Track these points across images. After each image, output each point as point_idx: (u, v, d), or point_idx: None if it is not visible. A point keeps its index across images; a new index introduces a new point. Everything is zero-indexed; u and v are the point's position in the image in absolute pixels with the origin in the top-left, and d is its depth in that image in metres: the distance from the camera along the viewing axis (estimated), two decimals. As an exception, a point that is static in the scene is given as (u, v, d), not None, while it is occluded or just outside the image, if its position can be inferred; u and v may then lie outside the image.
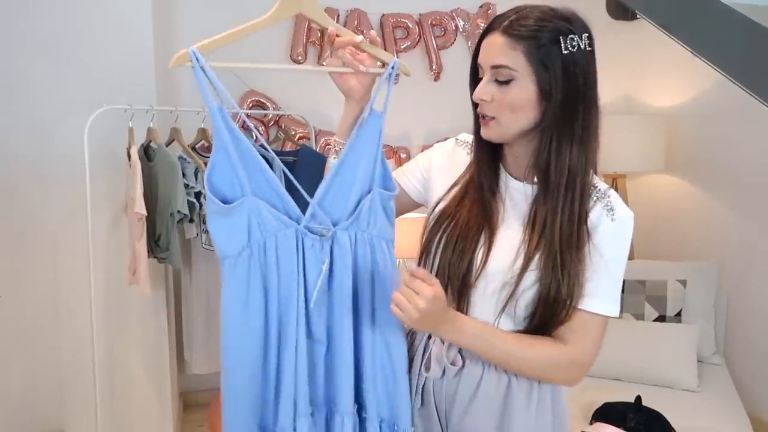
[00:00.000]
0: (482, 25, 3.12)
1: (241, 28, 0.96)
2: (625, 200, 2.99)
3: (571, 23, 0.94)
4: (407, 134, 3.18)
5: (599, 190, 1.00)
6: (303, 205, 1.01)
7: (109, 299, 2.36)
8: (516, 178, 1.05)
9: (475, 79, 1.02)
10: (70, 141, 2.20)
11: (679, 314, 2.57)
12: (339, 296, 1.01)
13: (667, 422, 1.93)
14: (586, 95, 0.95)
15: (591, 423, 2.00)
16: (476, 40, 1.00)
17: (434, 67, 3.14)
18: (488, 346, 0.99)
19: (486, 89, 0.97)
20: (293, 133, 2.91)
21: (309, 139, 2.89)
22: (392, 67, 1.01)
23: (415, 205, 1.19)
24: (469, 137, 1.11)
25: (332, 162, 1.04)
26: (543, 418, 1.03)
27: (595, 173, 1.02)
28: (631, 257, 3.32)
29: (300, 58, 2.94)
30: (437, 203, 1.09)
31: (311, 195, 1.01)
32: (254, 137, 2.49)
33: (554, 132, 0.95)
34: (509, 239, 1.01)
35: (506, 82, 0.95)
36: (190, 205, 2.25)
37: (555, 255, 0.95)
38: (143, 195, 2.08)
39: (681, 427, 1.94)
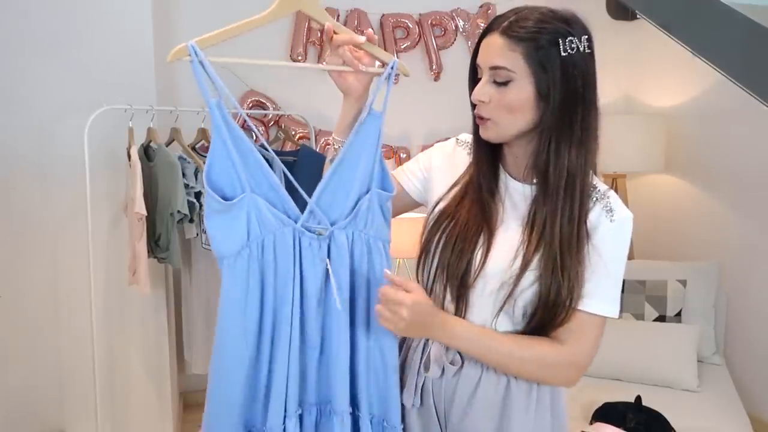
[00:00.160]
0: (482, 25, 3.12)
1: (240, 23, 0.95)
2: (625, 200, 2.99)
3: (571, 25, 0.94)
4: (407, 134, 3.18)
5: (599, 190, 1.00)
6: (302, 206, 1.00)
7: (109, 299, 2.36)
8: (515, 179, 1.05)
9: (474, 79, 1.01)
10: (70, 141, 2.20)
11: (679, 314, 2.57)
12: (337, 292, 1.01)
13: (667, 422, 1.93)
14: (585, 97, 0.95)
15: (591, 423, 2.00)
16: (476, 40, 1.00)
17: (434, 67, 3.14)
18: (484, 350, 0.99)
19: (484, 90, 0.97)
20: (293, 133, 2.91)
21: (309, 139, 2.89)
22: (392, 67, 1.01)
23: (415, 205, 1.19)
24: (470, 137, 1.10)
25: (332, 158, 1.04)
26: (542, 418, 1.03)
27: (595, 174, 1.02)
28: (630, 257, 3.32)
29: (300, 58, 2.94)
30: (437, 203, 1.09)
31: (311, 195, 1.01)
32: (254, 137, 2.49)
33: (553, 133, 0.95)
34: (508, 240, 1.01)
35: (504, 84, 0.95)
36: (190, 205, 2.25)
37: (555, 256, 0.95)
38: (143, 195, 2.08)
39: (681, 427, 1.94)
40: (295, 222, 0.99)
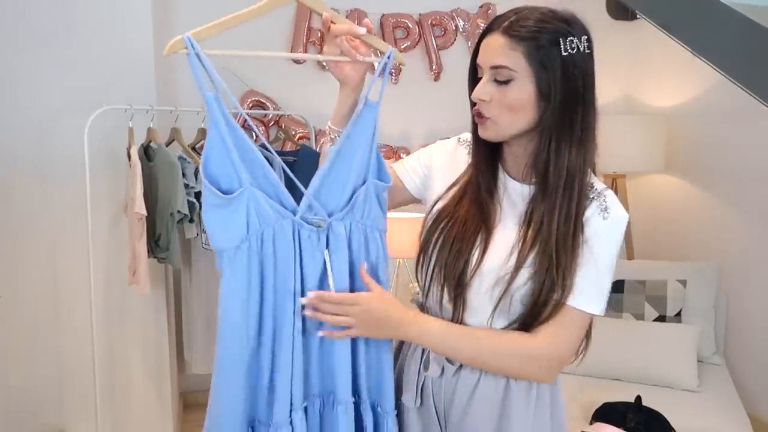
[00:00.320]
0: (482, 25, 3.12)
1: (237, 14, 0.95)
2: (625, 200, 2.99)
3: (571, 25, 0.94)
4: (407, 134, 3.18)
5: (596, 189, 1.00)
6: (303, 203, 1.01)
7: (109, 299, 2.36)
8: (515, 179, 1.05)
9: (474, 79, 1.02)
10: (70, 141, 2.20)
11: (679, 314, 2.57)
12: (336, 287, 1.01)
13: (667, 422, 1.93)
14: (585, 97, 0.95)
15: (591, 423, 2.00)
16: (476, 40, 1.00)
17: (434, 67, 3.14)
18: (454, 343, 1.00)
19: (485, 89, 0.97)
20: (293, 133, 2.91)
21: (309, 139, 2.89)
22: (388, 57, 1.02)
23: (412, 200, 1.18)
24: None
25: (328, 149, 1.04)
26: (541, 417, 1.03)
27: (594, 174, 1.02)
28: (630, 257, 3.32)
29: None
30: (436, 202, 1.09)
31: None
32: (254, 137, 2.49)
33: (553, 133, 0.95)
34: (505, 239, 1.01)
35: (505, 82, 0.95)
36: (190, 205, 2.25)
37: (551, 254, 0.95)
38: (143, 195, 2.09)
39: (681, 427, 1.94)
40: (294, 214, 0.99)
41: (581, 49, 0.94)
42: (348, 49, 0.99)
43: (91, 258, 2.15)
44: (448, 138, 1.18)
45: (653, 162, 2.92)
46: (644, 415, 1.94)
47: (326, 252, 1.00)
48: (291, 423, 1.00)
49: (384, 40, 3.04)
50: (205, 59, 0.90)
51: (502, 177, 1.06)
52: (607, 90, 3.26)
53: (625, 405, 2.01)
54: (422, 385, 1.08)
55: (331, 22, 0.99)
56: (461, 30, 3.18)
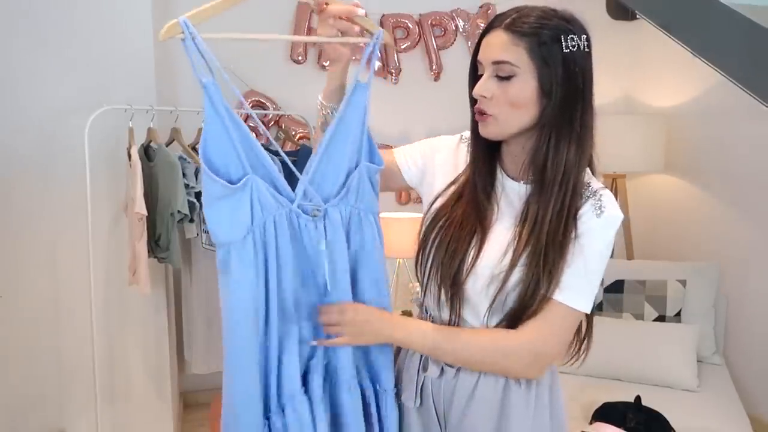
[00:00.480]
0: (482, 25, 3.12)
1: None
2: (625, 200, 2.99)
3: (571, 23, 0.95)
4: (407, 134, 3.18)
5: (591, 188, 1.00)
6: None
7: (109, 299, 2.36)
8: (512, 178, 1.05)
9: (474, 77, 1.02)
10: (71, 141, 2.20)
11: (678, 314, 2.57)
12: (336, 273, 1.02)
13: (667, 422, 1.93)
14: (584, 95, 0.96)
15: (591, 423, 2.00)
16: (476, 40, 1.01)
17: (434, 67, 3.14)
18: (439, 341, 1.01)
19: (486, 85, 0.97)
20: (293, 133, 2.91)
21: (309, 138, 2.89)
22: (377, 38, 1.02)
23: (405, 187, 1.18)
24: None
25: (320, 124, 1.05)
26: (541, 417, 1.04)
27: (594, 174, 1.03)
28: (630, 257, 3.31)
29: (300, 58, 2.95)
30: (435, 199, 1.10)
31: None
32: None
33: (553, 129, 0.96)
34: (501, 238, 1.01)
35: (507, 78, 0.95)
36: (191, 205, 2.25)
37: (541, 250, 0.96)
38: (143, 195, 2.09)
39: (681, 427, 1.94)
40: (291, 202, 0.99)
41: (581, 47, 0.94)
42: (348, 26, 1.00)
43: (91, 258, 2.15)
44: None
45: (653, 162, 2.92)
46: (644, 415, 1.94)
47: (324, 241, 1.01)
48: (306, 391, 1.02)
49: (384, 40, 3.04)
50: (201, 43, 0.89)
51: (500, 176, 1.06)
52: (606, 90, 3.26)
53: (625, 405, 2.01)
54: (422, 385, 1.08)
55: (326, 3, 0.99)
56: (461, 30, 3.18)
